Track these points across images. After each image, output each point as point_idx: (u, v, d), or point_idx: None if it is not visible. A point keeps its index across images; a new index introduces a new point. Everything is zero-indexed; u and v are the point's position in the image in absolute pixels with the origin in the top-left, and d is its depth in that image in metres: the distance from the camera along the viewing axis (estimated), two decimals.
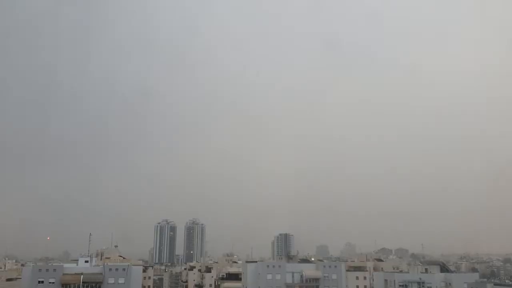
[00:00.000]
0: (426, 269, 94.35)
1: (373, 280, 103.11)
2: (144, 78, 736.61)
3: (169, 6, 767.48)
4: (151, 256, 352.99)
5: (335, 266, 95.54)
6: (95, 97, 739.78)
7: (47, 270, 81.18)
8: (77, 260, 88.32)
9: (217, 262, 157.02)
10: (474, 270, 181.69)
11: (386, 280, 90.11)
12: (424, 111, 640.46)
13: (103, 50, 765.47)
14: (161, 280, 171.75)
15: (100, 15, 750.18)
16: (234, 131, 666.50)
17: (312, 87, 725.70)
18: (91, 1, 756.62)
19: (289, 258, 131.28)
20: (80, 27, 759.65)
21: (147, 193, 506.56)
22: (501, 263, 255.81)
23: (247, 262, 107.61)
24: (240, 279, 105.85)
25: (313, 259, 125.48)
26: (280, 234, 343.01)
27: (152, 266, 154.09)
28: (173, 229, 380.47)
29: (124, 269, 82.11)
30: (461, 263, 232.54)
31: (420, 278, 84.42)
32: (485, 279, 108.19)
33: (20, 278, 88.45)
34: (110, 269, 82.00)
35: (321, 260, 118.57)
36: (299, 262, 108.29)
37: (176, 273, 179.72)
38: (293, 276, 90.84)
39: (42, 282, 78.55)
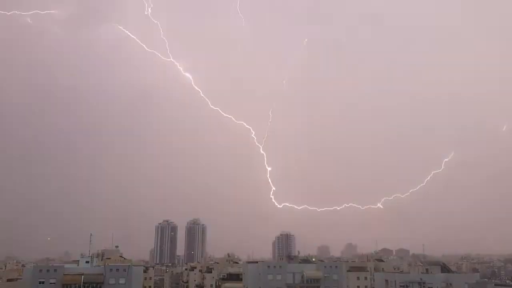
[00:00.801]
0: (427, 270, 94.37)
1: (374, 281, 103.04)
2: (144, 78, 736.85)
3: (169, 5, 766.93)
4: (151, 256, 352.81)
5: (336, 267, 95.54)
6: (95, 97, 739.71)
7: (48, 270, 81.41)
8: (78, 260, 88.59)
9: (218, 263, 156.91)
10: (475, 270, 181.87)
11: (387, 281, 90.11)
12: (424, 111, 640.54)
13: (104, 50, 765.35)
14: (161, 280, 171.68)
15: (101, 15, 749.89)
16: (235, 131, 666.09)
17: (313, 87, 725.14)
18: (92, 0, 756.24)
19: (290, 258, 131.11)
20: (80, 26, 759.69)
21: (148, 193, 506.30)
22: (502, 264, 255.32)
23: (248, 262, 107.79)
24: (241, 280, 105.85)
25: (314, 259, 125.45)
26: (281, 234, 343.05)
27: (153, 267, 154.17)
28: (174, 229, 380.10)
29: (125, 270, 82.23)
30: (462, 264, 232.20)
31: (421, 279, 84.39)
32: (485, 280, 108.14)
33: (21, 279, 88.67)
34: (111, 270, 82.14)
35: (322, 261, 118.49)
36: (300, 262, 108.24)
37: (177, 273, 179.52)
38: (294, 277, 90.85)
39: (43, 282, 78.75)
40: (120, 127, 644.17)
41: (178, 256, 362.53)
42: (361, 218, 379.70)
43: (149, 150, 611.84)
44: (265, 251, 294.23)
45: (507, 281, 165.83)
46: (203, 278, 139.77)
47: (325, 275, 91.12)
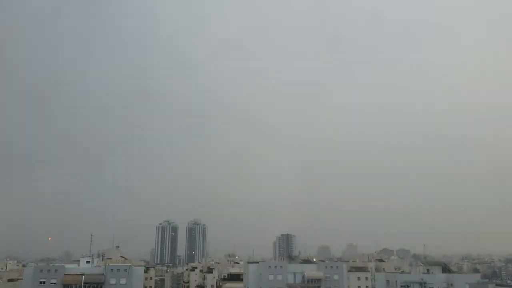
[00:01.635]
0: (427, 270, 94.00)
1: (374, 281, 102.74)
2: (144, 78, 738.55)
3: (169, 6, 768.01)
4: (152, 256, 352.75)
5: (337, 267, 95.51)
6: (96, 97, 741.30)
7: (48, 270, 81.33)
8: (79, 260, 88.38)
9: (218, 263, 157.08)
10: (475, 270, 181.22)
11: (387, 281, 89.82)
12: (425, 111, 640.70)
13: (104, 50, 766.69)
14: (162, 281, 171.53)
15: (101, 14, 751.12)
16: (235, 132, 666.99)
17: (313, 87, 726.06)
18: (92, 1, 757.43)
19: (291, 258, 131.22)
20: (81, 26, 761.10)
21: (149, 193, 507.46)
22: (503, 264, 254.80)
23: (248, 262, 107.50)
24: (242, 280, 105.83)
25: (314, 259, 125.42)
26: (282, 235, 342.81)
27: (153, 267, 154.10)
28: (174, 229, 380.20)
29: (125, 270, 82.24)
30: (463, 264, 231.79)
31: (422, 279, 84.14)
32: (486, 280, 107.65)
33: (22, 279, 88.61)
34: (112, 270, 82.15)
35: (322, 261, 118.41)
36: (300, 262, 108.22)
37: (178, 273, 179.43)
38: (294, 277, 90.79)
39: (44, 282, 78.75)
40: (121, 128, 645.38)
41: (179, 256, 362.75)
42: (362, 219, 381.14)
43: (150, 151, 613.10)
44: (265, 251, 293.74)
45: (508, 281, 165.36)
46: (204, 278, 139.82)
47: (326, 275, 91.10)
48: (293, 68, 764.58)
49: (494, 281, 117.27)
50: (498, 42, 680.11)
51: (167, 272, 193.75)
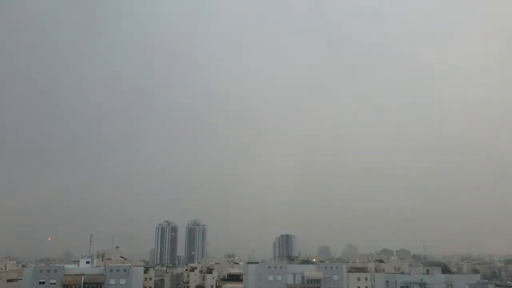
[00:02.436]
0: (427, 270, 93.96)
1: (374, 281, 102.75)
2: (145, 78, 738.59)
3: (169, 6, 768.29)
4: (152, 257, 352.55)
5: (337, 267, 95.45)
6: (96, 97, 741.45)
7: (48, 271, 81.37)
8: (78, 261, 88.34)
9: (218, 263, 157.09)
10: (475, 271, 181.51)
11: (387, 281, 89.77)
12: (425, 110, 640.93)
13: (104, 50, 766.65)
14: (162, 281, 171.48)
15: (101, 14, 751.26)
16: (235, 131, 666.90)
17: (313, 86, 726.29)
18: (92, 1, 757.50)
19: (291, 259, 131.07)
20: (81, 26, 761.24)
21: (148, 193, 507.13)
22: (503, 264, 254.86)
23: (248, 263, 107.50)
24: (242, 280, 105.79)
25: (314, 260, 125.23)
26: (282, 235, 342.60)
27: (153, 267, 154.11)
28: (174, 230, 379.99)
29: (125, 270, 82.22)
30: (463, 264, 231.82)
31: (422, 279, 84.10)
32: (486, 280, 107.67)
33: (21, 279, 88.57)
34: (111, 270, 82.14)
35: (322, 261, 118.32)
36: (300, 263, 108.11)
37: (178, 274, 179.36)
38: (294, 277, 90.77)
39: (43, 283, 78.75)
40: (121, 128, 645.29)
41: (178, 256, 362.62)
42: (361, 219, 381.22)
43: (150, 151, 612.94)
44: (265, 252, 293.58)
45: (508, 282, 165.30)
46: (204, 279, 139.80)
47: (326, 275, 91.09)
48: (293, 68, 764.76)
49: (494, 281, 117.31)
50: (498, 42, 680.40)
51: (166, 272, 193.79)
